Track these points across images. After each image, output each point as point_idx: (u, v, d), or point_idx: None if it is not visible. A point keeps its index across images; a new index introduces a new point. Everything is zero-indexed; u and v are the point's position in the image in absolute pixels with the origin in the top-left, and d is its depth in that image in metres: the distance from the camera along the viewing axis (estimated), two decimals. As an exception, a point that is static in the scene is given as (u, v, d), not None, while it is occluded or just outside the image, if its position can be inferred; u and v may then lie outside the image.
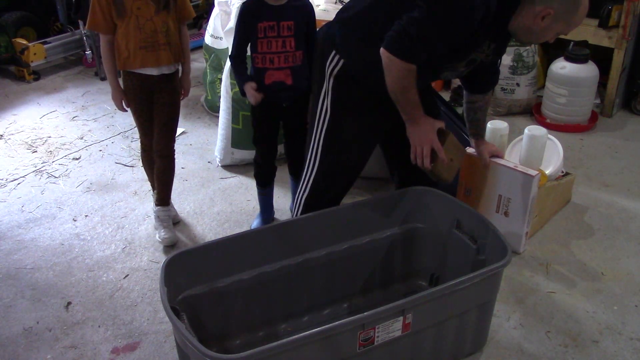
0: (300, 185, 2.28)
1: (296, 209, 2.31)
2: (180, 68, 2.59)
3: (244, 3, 2.36)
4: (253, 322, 2.11)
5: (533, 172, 2.43)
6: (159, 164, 2.62)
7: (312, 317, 2.20)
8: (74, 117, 3.91)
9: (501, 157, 2.52)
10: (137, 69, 2.46)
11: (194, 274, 1.94)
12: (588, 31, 3.68)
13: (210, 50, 3.69)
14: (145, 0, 2.35)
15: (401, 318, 1.74)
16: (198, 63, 4.32)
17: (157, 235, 2.68)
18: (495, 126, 2.70)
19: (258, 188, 2.73)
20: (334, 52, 2.07)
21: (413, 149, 2.03)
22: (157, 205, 2.70)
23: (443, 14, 1.82)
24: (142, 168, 3.26)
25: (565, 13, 1.88)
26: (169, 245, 2.65)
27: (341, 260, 2.17)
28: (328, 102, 2.11)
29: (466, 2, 1.81)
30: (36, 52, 4.38)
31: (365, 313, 1.68)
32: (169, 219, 2.71)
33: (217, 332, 2.04)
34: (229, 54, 2.47)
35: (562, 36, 3.70)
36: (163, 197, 2.69)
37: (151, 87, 2.51)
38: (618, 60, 3.67)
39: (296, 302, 2.17)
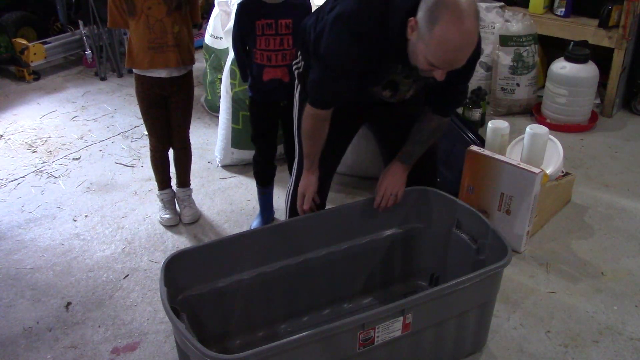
0: (290, 179, 2.31)
1: (286, 203, 2.33)
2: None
3: (241, 2, 2.36)
4: (253, 322, 2.11)
5: (536, 170, 2.43)
6: (178, 154, 2.78)
7: (312, 317, 2.20)
8: (74, 117, 3.91)
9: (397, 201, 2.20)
10: (145, 69, 2.48)
11: (194, 274, 1.94)
12: (588, 31, 3.68)
13: (210, 50, 3.69)
14: (156, 0, 2.36)
15: (401, 318, 1.74)
16: (198, 63, 4.30)
17: (162, 217, 2.81)
18: (495, 126, 2.70)
19: (258, 187, 2.73)
20: (299, 52, 2.11)
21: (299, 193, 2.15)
22: (178, 187, 2.86)
23: (330, 69, 1.85)
24: (142, 168, 3.27)
25: (423, 28, 1.65)
26: (192, 222, 2.81)
27: (341, 260, 2.17)
28: (298, 93, 2.18)
29: (340, 54, 1.81)
30: (36, 52, 4.38)
31: (365, 313, 1.68)
32: (189, 198, 2.86)
33: (217, 332, 2.04)
34: (233, 49, 2.50)
35: (563, 37, 3.77)
36: (183, 180, 2.84)
37: (162, 91, 2.54)
38: (618, 60, 3.66)
39: (296, 302, 2.17)
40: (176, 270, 1.86)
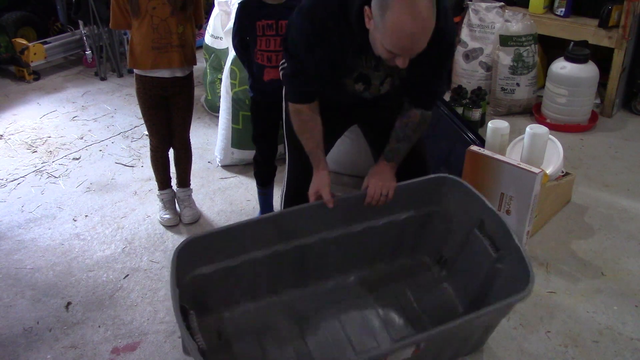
0: (283, 183, 2.31)
1: (281, 207, 2.32)
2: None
3: (241, 2, 2.36)
4: (258, 291, 2.08)
5: (536, 170, 2.43)
6: (178, 154, 2.78)
7: (318, 287, 2.18)
8: (74, 117, 3.91)
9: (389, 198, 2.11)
10: (148, 70, 2.48)
11: (203, 260, 1.91)
12: (588, 31, 3.68)
13: (210, 50, 3.69)
14: (161, 0, 2.36)
15: (414, 346, 1.73)
16: (198, 63, 4.31)
17: (162, 217, 2.81)
18: (495, 126, 2.70)
19: (258, 188, 2.73)
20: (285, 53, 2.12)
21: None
22: (178, 187, 2.86)
23: (297, 60, 1.89)
24: (142, 168, 3.27)
25: (377, 16, 1.66)
26: (193, 223, 2.81)
27: (354, 239, 2.13)
28: (283, 93, 2.18)
29: (303, 45, 1.85)
30: (36, 52, 4.38)
31: (380, 350, 1.67)
32: (190, 198, 2.87)
33: (220, 298, 2.01)
34: (233, 49, 2.52)
35: (563, 37, 3.77)
36: (183, 179, 2.85)
37: (164, 92, 2.54)
38: (618, 60, 3.66)
39: (303, 274, 2.14)
40: (185, 259, 1.83)
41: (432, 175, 2.21)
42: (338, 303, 2.15)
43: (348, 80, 1.97)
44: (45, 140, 3.61)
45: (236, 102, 3.11)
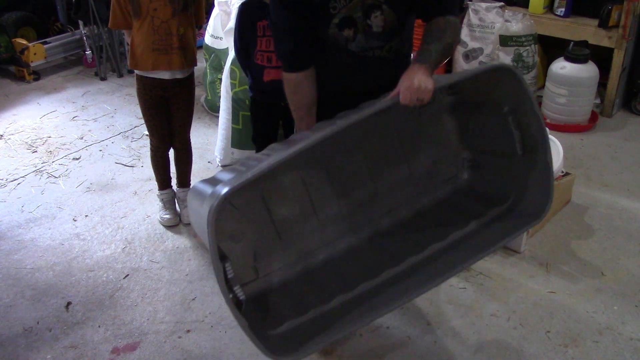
0: None
1: None
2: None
3: (243, 3, 2.36)
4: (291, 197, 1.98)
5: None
6: (179, 155, 2.79)
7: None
8: (74, 117, 3.91)
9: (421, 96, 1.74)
10: (149, 71, 2.48)
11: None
12: (588, 31, 3.68)
13: (210, 50, 3.69)
14: (162, 2, 2.36)
15: None
16: (198, 63, 4.31)
17: (162, 217, 2.82)
18: (495, 126, 2.70)
19: (258, 188, 2.73)
20: None
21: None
22: (178, 187, 2.85)
23: (277, 22, 1.90)
24: (142, 168, 3.27)
25: None
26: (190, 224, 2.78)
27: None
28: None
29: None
30: (36, 52, 4.38)
31: None
32: None
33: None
34: (234, 50, 2.53)
35: (563, 37, 3.76)
36: (183, 179, 2.84)
37: (165, 92, 2.54)
38: (618, 60, 3.66)
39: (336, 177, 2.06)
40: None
41: (491, 66, 1.98)
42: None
43: (332, 30, 1.92)
44: (45, 140, 3.61)
45: (236, 102, 3.11)
